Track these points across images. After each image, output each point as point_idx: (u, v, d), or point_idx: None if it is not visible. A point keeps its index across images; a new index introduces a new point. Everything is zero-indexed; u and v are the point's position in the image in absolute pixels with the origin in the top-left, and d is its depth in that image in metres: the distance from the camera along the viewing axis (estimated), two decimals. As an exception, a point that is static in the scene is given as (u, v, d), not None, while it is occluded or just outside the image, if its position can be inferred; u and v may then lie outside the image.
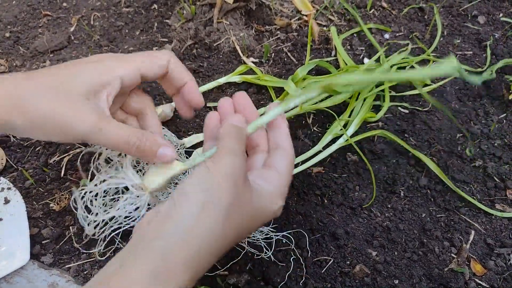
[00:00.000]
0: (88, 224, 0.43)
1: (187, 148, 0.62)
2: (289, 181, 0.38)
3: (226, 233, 0.31)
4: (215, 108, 0.70)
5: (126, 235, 0.49)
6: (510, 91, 0.70)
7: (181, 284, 0.28)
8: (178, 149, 0.60)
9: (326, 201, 0.58)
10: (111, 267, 0.29)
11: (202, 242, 0.29)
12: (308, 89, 0.37)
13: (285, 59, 0.80)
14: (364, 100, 0.68)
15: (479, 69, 0.78)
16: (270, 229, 0.53)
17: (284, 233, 0.53)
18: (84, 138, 0.35)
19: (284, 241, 0.53)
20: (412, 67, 0.77)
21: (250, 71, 0.74)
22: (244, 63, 0.77)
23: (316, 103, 0.66)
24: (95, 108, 0.36)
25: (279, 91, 0.70)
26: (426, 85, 0.76)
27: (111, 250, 0.51)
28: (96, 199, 0.43)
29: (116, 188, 0.44)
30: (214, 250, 0.30)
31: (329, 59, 0.80)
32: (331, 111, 0.65)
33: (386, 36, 0.87)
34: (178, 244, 0.29)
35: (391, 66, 0.75)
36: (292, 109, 0.54)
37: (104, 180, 0.42)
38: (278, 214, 0.36)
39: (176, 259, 0.28)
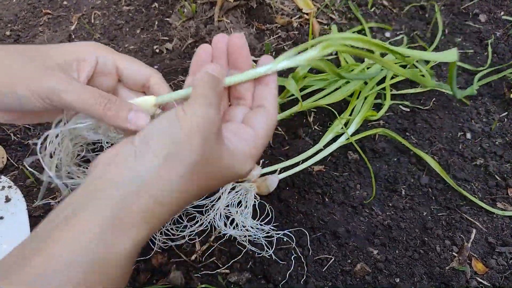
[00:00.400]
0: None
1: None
2: (264, 144, 0.35)
3: (188, 189, 0.29)
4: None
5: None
6: (511, 90, 0.70)
7: (137, 236, 0.27)
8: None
9: (327, 199, 0.58)
10: (62, 213, 0.27)
11: (162, 197, 0.28)
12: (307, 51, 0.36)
13: (286, 58, 0.80)
14: (365, 98, 0.68)
15: (480, 68, 0.78)
16: (271, 227, 0.53)
17: (285, 232, 0.53)
18: (49, 96, 0.33)
19: (285, 240, 0.53)
20: (414, 65, 0.77)
21: (251, 70, 0.73)
22: (245, 61, 0.77)
23: (316, 100, 0.66)
24: (68, 75, 0.34)
25: (280, 89, 0.70)
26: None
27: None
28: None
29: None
30: (175, 205, 0.29)
31: (330, 57, 0.79)
32: (332, 110, 0.65)
33: (387, 34, 0.86)
34: (137, 195, 0.27)
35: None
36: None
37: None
38: (244, 176, 0.35)
39: (133, 211, 0.27)
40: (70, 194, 0.28)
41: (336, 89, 0.69)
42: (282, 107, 0.69)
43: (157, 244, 0.50)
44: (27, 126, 0.66)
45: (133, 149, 0.29)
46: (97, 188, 0.28)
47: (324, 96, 0.67)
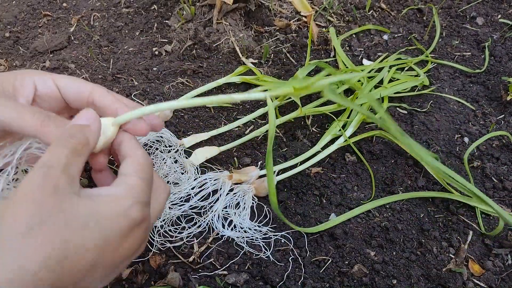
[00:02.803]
0: None
1: (187, 148, 0.62)
2: (143, 182, 0.32)
3: (30, 254, 0.24)
4: (214, 108, 0.70)
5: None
6: (508, 93, 0.71)
7: None
8: (177, 150, 0.61)
9: (324, 201, 0.58)
10: None
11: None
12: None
13: (284, 60, 0.80)
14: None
15: (477, 70, 0.79)
16: (269, 229, 0.53)
17: (283, 233, 0.53)
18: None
19: (282, 241, 0.53)
20: (411, 68, 0.78)
21: (250, 72, 0.74)
22: (244, 63, 0.77)
23: (316, 107, 0.66)
24: (10, 101, 0.32)
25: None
26: (425, 86, 0.76)
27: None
28: None
29: None
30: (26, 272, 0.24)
31: (328, 60, 0.80)
32: (331, 114, 0.66)
33: (385, 37, 0.87)
34: None
35: (390, 67, 0.76)
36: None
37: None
38: (137, 219, 0.30)
39: None
40: None
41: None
42: (281, 110, 0.69)
43: (155, 245, 0.50)
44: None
45: None
46: None
47: (324, 102, 0.68)
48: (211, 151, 0.61)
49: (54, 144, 0.30)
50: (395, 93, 0.71)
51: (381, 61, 0.78)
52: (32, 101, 0.35)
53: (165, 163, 0.58)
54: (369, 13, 0.92)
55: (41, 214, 0.25)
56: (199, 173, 0.59)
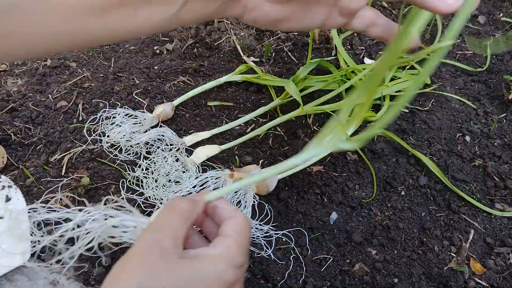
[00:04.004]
0: None
1: (188, 147, 0.62)
2: (239, 245, 0.34)
3: None
4: (215, 107, 0.70)
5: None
6: (510, 91, 0.71)
7: None
8: (178, 148, 0.61)
9: (326, 199, 0.58)
10: None
11: None
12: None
13: (286, 59, 0.80)
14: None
15: (479, 69, 0.78)
16: (270, 227, 0.53)
17: (284, 232, 0.53)
18: None
19: (284, 240, 0.53)
20: (412, 67, 0.78)
21: (251, 70, 0.74)
22: (245, 62, 0.77)
23: (318, 105, 0.66)
24: None
25: (280, 90, 0.70)
26: (426, 85, 0.76)
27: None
28: None
29: None
30: None
31: (329, 58, 0.80)
32: (332, 113, 0.65)
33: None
34: None
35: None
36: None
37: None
38: (231, 281, 0.32)
39: None
40: None
41: (336, 90, 0.69)
42: (282, 109, 0.69)
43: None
44: (27, 126, 0.67)
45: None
46: None
47: (326, 100, 0.68)
48: (212, 149, 0.61)
49: (165, 211, 0.34)
50: (396, 91, 0.71)
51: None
52: None
53: (166, 161, 0.58)
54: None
55: (149, 274, 0.29)
56: (201, 171, 0.59)
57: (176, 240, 0.32)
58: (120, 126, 0.62)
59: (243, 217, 0.37)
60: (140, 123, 0.63)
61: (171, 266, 0.30)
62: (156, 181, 0.56)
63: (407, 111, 0.71)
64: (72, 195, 0.57)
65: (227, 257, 0.33)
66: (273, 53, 0.80)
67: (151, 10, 0.29)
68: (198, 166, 0.59)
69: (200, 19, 0.33)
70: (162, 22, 0.30)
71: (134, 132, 0.62)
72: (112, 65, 0.77)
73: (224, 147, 0.62)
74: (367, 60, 0.80)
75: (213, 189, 0.43)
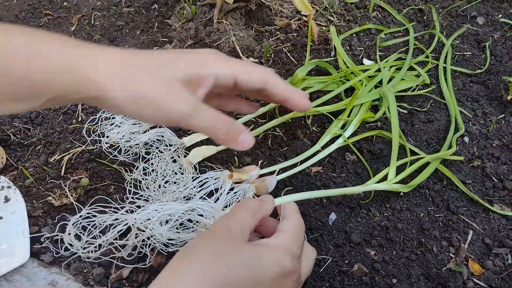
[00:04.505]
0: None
1: (187, 147, 0.62)
2: (295, 239, 0.39)
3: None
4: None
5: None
6: (509, 92, 0.71)
7: None
8: (177, 149, 0.61)
9: (324, 200, 0.58)
10: None
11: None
12: None
13: (285, 59, 0.80)
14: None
15: (478, 70, 0.79)
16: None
17: (283, 232, 0.53)
18: (177, 121, 0.36)
19: (283, 240, 0.53)
20: (411, 68, 0.78)
21: (250, 71, 0.74)
22: (244, 63, 0.77)
23: (316, 106, 0.66)
24: (192, 94, 0.37)
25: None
26: (426, 85, 0.76)
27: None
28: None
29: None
30: None
31: (328, 59, 0.80)
32: (329, 115, 0.66)
33: (384, 37, 0.87)
34: None
35: (390, 67, 0.76)
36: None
37: None
38: (287, 267, 0.36)
39: None
40: None
41: (335, 91, 0.69)
42: (281, 110, 0.69)
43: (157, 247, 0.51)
44: (26, 126, 0.67)
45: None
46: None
47: (326, 101, 0.68)
48: (209, 150, 0.61)
49: (238, 206, 0.40)
50: (395, 92, 0.71)
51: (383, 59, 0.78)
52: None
53: (164, 162, 0.58)
54: (370, 12, 0.92)
55: (217, 250, 0.34)
56: (199, 172, 0.59)
57: (243, 228, 0.37)
58: (119, 126, 0.62)
59: (298, 218, 0.43)
60: (139, 123, 0.63)
61: (236, 247, 0.35)
62: (154, 182, 0.57)
63: (406, 112, 0.71)
64: (70, 195, 0.57)
65: (284, 246, 0.38)
66: (272, 54, 0.81)
67: (18, 105, 0.33)
68: (196, 166, 0.59)
69: (64, 105, 0.37)
70: (29, 109, 0.34)
71: (133, 133, 0.62)
72: (111, 66, 0.77)
73: (220, 147, 0.62)
74: (366, 61, 0.80)
75: (283, 194, 0.50)
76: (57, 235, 0.51)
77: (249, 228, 0.38)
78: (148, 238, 0.47)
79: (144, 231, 0.46)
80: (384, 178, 0.57)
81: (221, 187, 0.55)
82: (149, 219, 0.45)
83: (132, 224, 0.45)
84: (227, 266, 0.33)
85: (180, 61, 0.37)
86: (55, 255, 0.52)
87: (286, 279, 0.36)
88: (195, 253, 0.34)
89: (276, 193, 0.58)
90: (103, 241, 0.46)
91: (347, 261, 0.52)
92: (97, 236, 0.46)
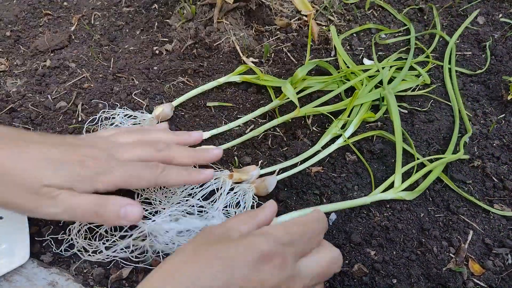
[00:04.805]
0: None
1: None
2: (284, 227, 0.37)
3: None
4: (214, 107, 0.70)
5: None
6: (509, 92, 0.71)
7: None
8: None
9: (325, 200, 0.58)
10: None
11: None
12: None
13: (285, 59, 0.80)
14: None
15: (478, 70, 0.78)
16: (269, 228, 0.53)
17: (283, 232, 0.53)
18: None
19: (283, 240, 0.53)
20: (412, 67, 0.78)
21: (250, 71, 0.74)
22: (244, 63, 0.77)
23: (316, 106, 0.66)
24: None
25: (279, 91, 0.70)
26: (426, 85, 0.76)
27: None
28: None
29: None
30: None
31: (328, 59, 0.80)
32: (329, 115, 0.65)
33: (385, 36, 0.87)
34: None
35: (390, 67, 0.76)
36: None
37: None
38: (264, 250, 0.33)
39: None
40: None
41: (336, 91, 0.69)
42: (281, 109, 0.69)
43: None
44: (26, 126, 0.67)
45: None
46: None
47: (326, 101, 0.68)
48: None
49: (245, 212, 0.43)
50: (395, 92, 0.71)
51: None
52: None
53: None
54: (370, 12, 0.92)
55: (196, 246, 0.35)
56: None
57: (228, 230, 0.37)
58: (119, 126, 0.62)
59: (300, 219, 0.40)
60: (139, 123, 0.63)
61: (212, 243, 0.34)
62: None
63: (406, 112, 0.71)
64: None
65: (265, 231, 0.36)
66: (273, 54, 0.80)
67: None
68: (196, 166, 0.59)
69: None
70: None
71: (133, 133, 0.62)
72: (111, 66, 0.77)
73: (223, 147, 0.62)
74: (366, 61, 0.80)
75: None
76: (57, 235, 0.51)
77: (240, 229, 0.37)
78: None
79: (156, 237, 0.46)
80: (389, 184, 0.57)
81: (221, 187, 0.55)
82: (167, 232, 0.46)
83: (149, 233, 0.46)
84: (206, 261, 0.33)
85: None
86: (54, 255, 0.52)
87: (265, 266, 0.32)
88: (181, 252, 0.35)
89: (276, 193, 0.58)
90: (114, 251, 0.47)
91: (347, 261, 0.52)
92: (101, 236, 0.46)
